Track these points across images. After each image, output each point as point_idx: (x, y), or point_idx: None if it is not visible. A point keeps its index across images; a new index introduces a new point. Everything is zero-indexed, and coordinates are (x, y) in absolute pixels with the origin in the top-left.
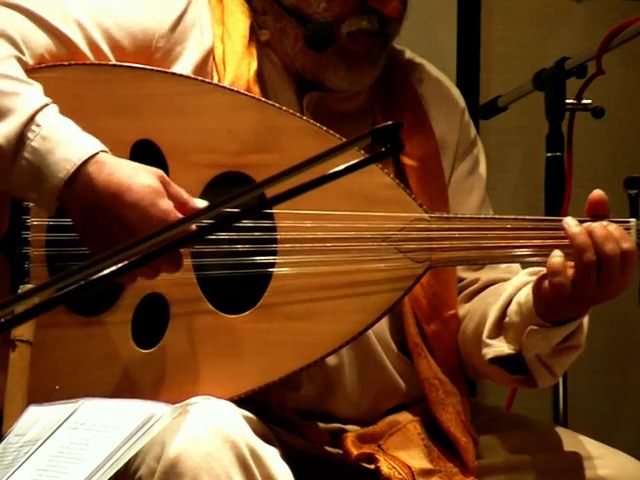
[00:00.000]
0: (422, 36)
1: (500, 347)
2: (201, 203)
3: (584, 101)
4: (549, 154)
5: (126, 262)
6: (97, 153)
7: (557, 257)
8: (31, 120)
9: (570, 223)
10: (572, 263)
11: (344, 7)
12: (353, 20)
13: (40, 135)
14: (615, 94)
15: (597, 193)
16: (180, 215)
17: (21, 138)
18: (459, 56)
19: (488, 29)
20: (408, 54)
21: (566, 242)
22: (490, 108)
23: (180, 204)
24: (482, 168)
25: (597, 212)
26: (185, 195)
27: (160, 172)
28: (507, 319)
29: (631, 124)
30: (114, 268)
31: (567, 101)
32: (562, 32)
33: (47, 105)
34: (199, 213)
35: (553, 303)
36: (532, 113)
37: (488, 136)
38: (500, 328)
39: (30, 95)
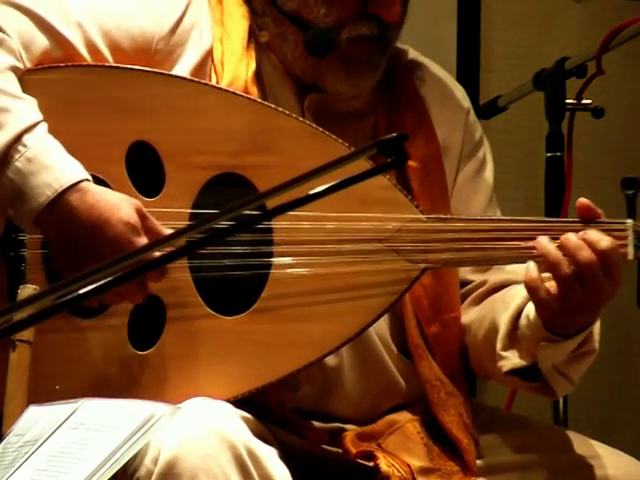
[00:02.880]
0: (422, 36)
1: (515, 359)
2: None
3: (584, 101)
4: (549, 154)
5: (122, 273)
6: (79, 182)
7: (530, 273)
8: (18, 139)
9: (542, 241)
10: (548, 274)
11: (344, 13)
12: (353, 26)
13: (25, 156)
14: (615, 94)
15: (581, 201)
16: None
17: (5, 157)
18: (459, 56)
19: (488, 29)
20: (412, 54)
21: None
22: (490, 108)
23: (155, 238)
24: (489, 169)
25: (586, 217)
26: (160, 229)
27: (139, 205)
28: (519, 332)
29: (631, 124)
30: (115, 276)
31: (567, 101)
32: (562, 32)
33: (37, 124)
34: (188, 229)
35: (552, 317)
36: (532, 113)
37: (488, 136)
38: (513, 340)
39: (21, 113)
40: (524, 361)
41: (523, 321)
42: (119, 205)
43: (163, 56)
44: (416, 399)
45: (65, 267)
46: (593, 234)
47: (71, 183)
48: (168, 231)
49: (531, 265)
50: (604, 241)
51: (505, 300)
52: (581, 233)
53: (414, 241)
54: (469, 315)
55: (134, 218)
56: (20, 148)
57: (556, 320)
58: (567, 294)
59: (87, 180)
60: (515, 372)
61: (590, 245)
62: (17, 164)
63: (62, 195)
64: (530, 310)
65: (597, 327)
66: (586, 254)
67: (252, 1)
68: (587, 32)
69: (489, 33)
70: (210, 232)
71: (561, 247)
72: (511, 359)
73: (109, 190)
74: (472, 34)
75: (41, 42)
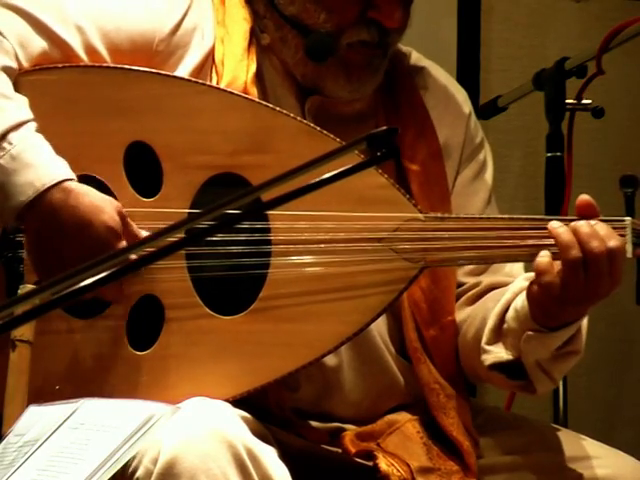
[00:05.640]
0: (422, 36)
1: (499, 353)
2: None
3: (584, 101)
4: (549, 154)
5: (121, 266)
6: (62, 181)
7: (544, 257)
8: (4, 137)
9: (554, 224)
10: (559, 262)
11: (344, 18)
12: (353, 31)
13: (9, 154)
14: (615, 94)
15: (583, 197)
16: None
17: None
18: (459, 56)
19: (488, 29)
20: (414, 57)
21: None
22: (490, 108)
23: (133, 241)
24: (489, 172)
25: (586, 214)
26: (138, 232)
27: (120, 207)
28: (505, 325)
29: (631, 124)
30: (113, 270)
31: (567, 101)
32: (562, 32)
33: (25, 123)
34: (166, 231)
35: (546, 305)
36: (532, 113)
37: (488, 136)
38: (499, 334)
39: (9, 111)
40: (509, 355)
41: (510, 313)
42: (102, 207)
43: (164, 57)
44: (416, 399)
45: (43, 266)
46: (603, 229)
47: (53, 182)
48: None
49: (544, 251)
50: (613, 240)
51: (497, 298)
52: (592, 223)
53: (413, 240)
54: (461, 315)
55: (116, 221)
56: (5, 145)
57: (547, 310)
58: (572, 279)
59: (71, 180)
60: (499, 369)
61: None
62: (1, 161)
63: (44, 194)
64: (518, 303)
65: (584, 328)
66: (597, 244)
67: (254, 3)
68: (587, 32)
69: (489, 33)
70: (197, 230)
71: (574, 232)
72: (495, 353)
73: (93, 190)
74: (472, 34)
75: (38, 43)
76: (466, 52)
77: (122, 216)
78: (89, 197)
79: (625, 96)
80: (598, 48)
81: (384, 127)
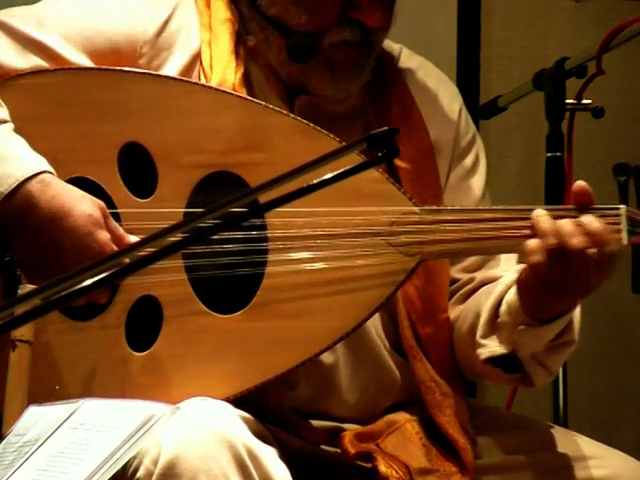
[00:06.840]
0: (422, 36)
1: (494, 347)
2: (135, 240)
3: (584, 101)
4: (549, 154)
5: (121, 267)
6: (41, 172)
7: (533, 239)
8: None
9: (538, 212)
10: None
11: (325, 19)
12: (335, 31)
13: None
14: (615, 94)
15: (578, 184)
16: (116, 248)
17: None
18: (459, 56)
19: (488, 29)
20: (405, 53)
21: None
22: (490, 108)
23: (116, 238)
24: (482, 167)
25: (581, 202)
26: (122, 231)
27: (101, 204)
28: (499, 319)
29: (631, 124)
30: (113, 271)
31: (567, 101)
32: (562, 32)
33: (2, 123)
34: (158, 235)
35: (535, 290)
36: (532, 113)
37: (488, 136)
38: (493, 328)
39: None
40: (503, 349)
41: (503, 307)
42: (82, 199)
43: (148, 59)
44: (414, 396)
45: (25, 260)
46: (598, 227)
47: (33, 173)
48: (131, 236)
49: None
50: (610, 245)
51: (489, 291)
52: (588, 221)
53: (409, 233)
54: (454, 311)
55: (97, 213)
56: None
57: (537, 298)
58: (555, 266)
59: (51, 173)
60: (495, 363)
61: (594, 241)
62: None
63: (23, 184)
64: (509, 296)
65: (577, 318)
66: (577, 240)
67: (239, 5)
68: (587, 32)
69: (489, 33)
70: (198, 230)
71: (557, 228)
72: (490, 347)
73: (71, 185)
74: (472, 34)
75: (24, 52)
76: (466, 52)
77: (104, 212)
78: (68, 189)
79: (625, 96)
80: (598, 48)
81: (385, 127)
